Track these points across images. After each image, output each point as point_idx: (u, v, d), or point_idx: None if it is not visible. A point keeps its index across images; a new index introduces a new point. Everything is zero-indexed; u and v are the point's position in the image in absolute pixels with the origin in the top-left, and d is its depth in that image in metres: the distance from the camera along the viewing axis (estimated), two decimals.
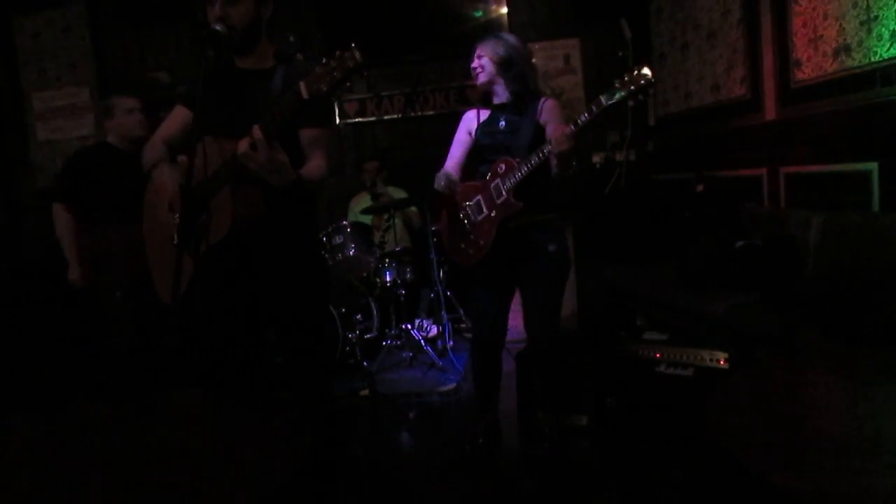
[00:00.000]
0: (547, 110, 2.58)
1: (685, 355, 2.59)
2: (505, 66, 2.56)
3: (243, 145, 1.70)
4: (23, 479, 1.41)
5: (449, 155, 2.78)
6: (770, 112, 3.39)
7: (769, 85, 3.38)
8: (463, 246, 2.64)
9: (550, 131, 2.54)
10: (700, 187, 3.83)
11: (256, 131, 1.69)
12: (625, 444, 2.75)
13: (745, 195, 3.59)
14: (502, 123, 2.60)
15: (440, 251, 4.33)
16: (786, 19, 3.16)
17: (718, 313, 2.89)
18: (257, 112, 1.74)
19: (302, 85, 1.67)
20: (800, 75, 3.11)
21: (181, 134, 2.11)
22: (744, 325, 2.75)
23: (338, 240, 4.12)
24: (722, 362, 2.48)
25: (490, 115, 2.67)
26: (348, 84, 1.65)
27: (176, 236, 1.86)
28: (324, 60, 1.64)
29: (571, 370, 2.89)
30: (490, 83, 2.59)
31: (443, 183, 2.59)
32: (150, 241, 2.17)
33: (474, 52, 2.61)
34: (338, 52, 1.63)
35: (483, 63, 2.58)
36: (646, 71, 2.23)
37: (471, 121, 2.73)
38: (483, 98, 2.71)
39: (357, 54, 1.61)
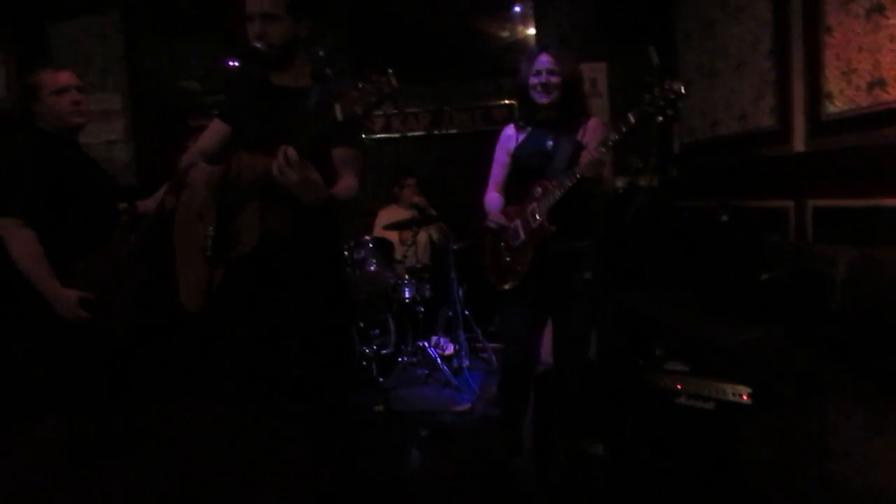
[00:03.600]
0: (591, 130, 2.55)
1: (707, 388, 2.54)
2: (572, 84, 2.52)
3: (277, 164, 1.72)
4: (43, 483, 1.41)
5: (492, 178, 2.74)
6: (799, 144, 3.36)
7: (799, 116, 3.35)
8: (502, 271, 2.61)
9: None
10: (724, 217, 3.79)
11: (291, 151, 1.71)
12: (641, 474, 2.70)
13: (770, 227, 3.55)
14: (549, 143, 2.55)
15: (460, 269, 4.33)
16: (818, 51, 3.13)
17: (740, 346, 2.84)
18: (291, 129, 1.75)
19: (337, 107, 1.68)
20: (831, 108, 3.08)
21: (218, 146, 2.14)
22: (766, 359, 2.70)
23: (359, 254, 4.13)
24: (745, 397, 2.43)
25: (532, 132, 2.60)
26: (382, 108, 1.67)
27: (209, 247, 1.87)
28: (359, 84, 1.66)
29: (589, 397, 2.85)
30: (553, 102, 2.51)
31: (494, 226, 2.59)
32: (179, 247, 2.18)
33: (541, 62, 2.47)
34: (374, 76, 1.65)
35: (554, 81, 2.48)
36: (676, 85, 2.23)
37: (509, 139, 2.67)
38: (525, 112, 2.62)
39: (393, 80, 1.63)
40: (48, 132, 2.53)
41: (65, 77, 2.55)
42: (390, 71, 1.64)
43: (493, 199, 2.72)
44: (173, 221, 2.22)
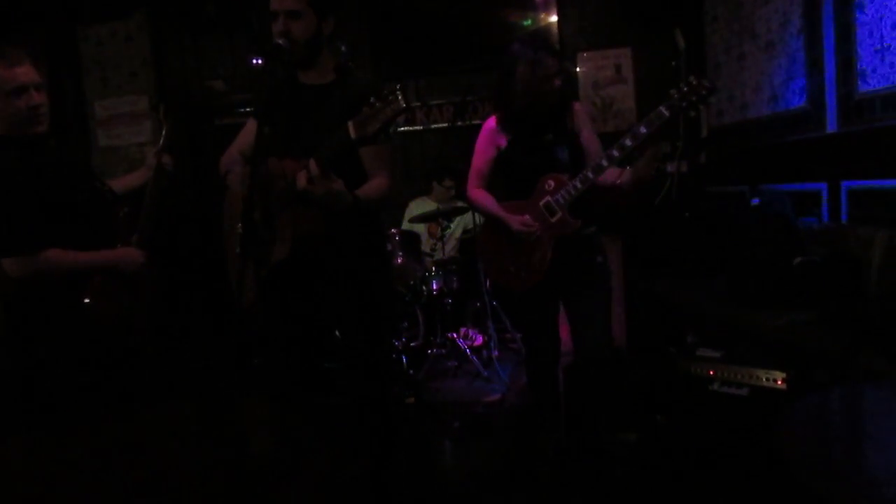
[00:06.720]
0: (580, 117, 2.54)
1: (741, 374, 2.52)
2: (567, 81, 2.53)
3: (302, 179, 1.76)
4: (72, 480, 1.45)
5: (476, 173, 2.61)
6: (831, 124, 3.29)
7: (831, 96, 3.28)
8: (513, 269, 2.54)
9: (586, 137, 2.53)
10: (755, 201, 3.73)
11: (313, 166, 1.76)
12: (674, 461, 2.69)
13: (803, 210, 3.49)
14: (551, 136, 2.51)
15: None
16: (850, 29, 3.06)
17: (774, 331, 2.80)
18: (318, 130, 1.78)
19: (350, 125, 1.72)
20: (864, 87, 3.01)
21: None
22: (801, 344, 2.66)
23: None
24: (780, 382, 2.41)
25: (527, 128, 2.52)
26: (396, 123, 1.70)
27: (237, 245, 1.91)
28: (371, 100, 1.68)
29: (621, 385, 2.84)
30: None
31: (524, 229, 2.42)
32: (229, 247, 2.20)
33: (550, 65, 2.38)
34: (384, 93, 1.67)
35: (560, 83, 2.43)
36: (707, 81, 2.22)
37: (497, 134, 2.56)
38: (517, 112, 2.49)
39: (400, 97, 1.66)
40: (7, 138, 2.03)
41: (23, 73, 2.00)
42: (398, 87, 1.66)
43: (483, 196, 2.59)
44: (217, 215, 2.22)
